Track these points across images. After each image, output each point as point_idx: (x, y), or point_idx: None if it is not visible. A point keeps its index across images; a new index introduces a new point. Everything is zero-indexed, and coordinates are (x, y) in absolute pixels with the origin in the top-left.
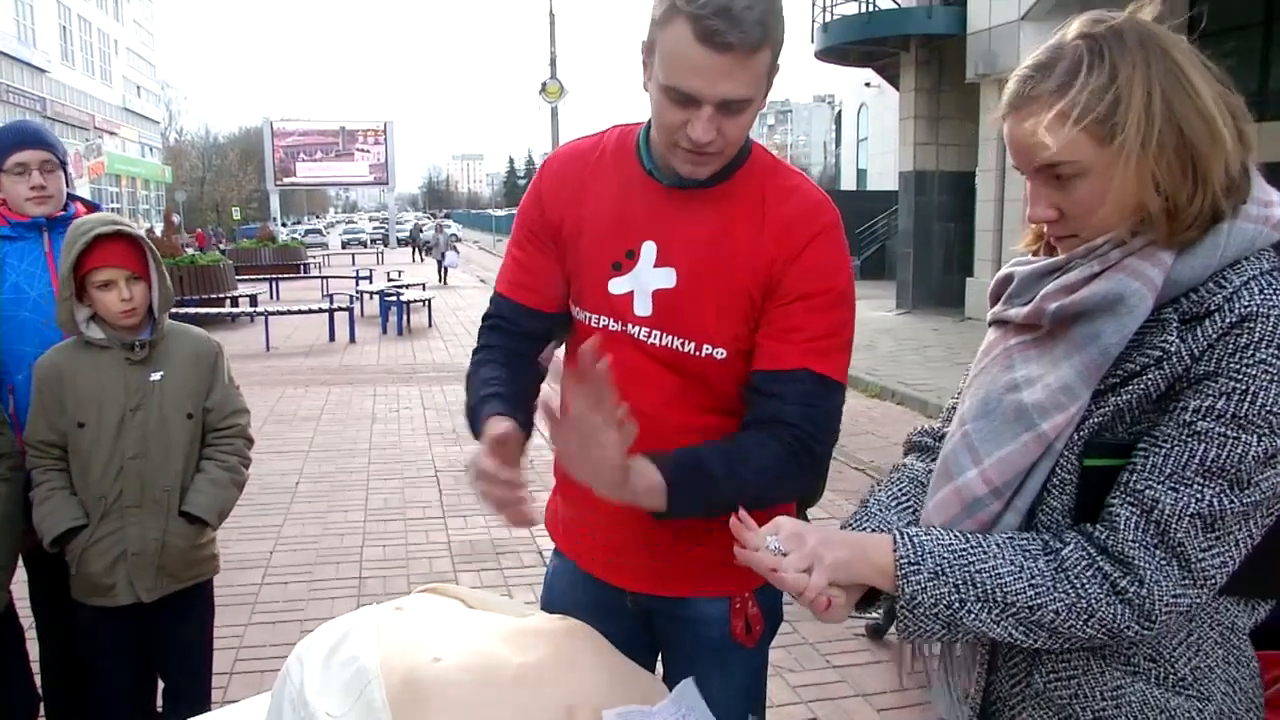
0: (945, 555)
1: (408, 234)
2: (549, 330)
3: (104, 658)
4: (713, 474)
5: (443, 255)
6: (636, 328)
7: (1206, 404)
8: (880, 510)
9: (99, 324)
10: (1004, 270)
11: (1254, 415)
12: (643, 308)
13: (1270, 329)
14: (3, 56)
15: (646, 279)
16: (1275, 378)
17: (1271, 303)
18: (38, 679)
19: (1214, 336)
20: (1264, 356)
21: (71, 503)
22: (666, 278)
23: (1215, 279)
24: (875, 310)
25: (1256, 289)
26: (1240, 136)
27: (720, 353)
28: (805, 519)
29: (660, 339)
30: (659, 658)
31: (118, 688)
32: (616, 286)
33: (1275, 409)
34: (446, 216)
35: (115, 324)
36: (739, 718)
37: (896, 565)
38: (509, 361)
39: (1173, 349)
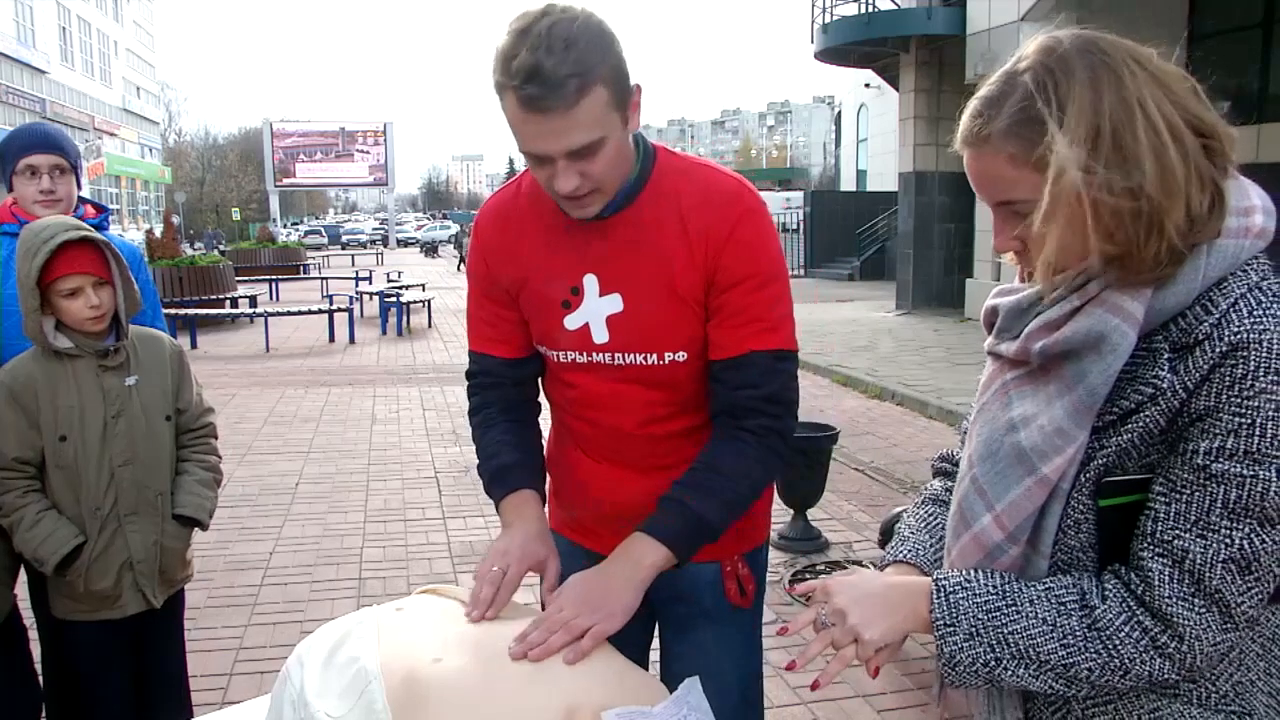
0: (979, 616)
1: (429, 239)
2: (532, 372)
3: (108, 671)
4: (703, 517)
5: None
6: (600, 354)
7: (1217, 444)
8: (912, 534)
9: (64, 332)
10: (989, 302)
11: (1267, 447)
12: (600, 335)
13: (1265, 355)
14: (2, 57)
15: (596, 309)
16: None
17: (1262, 326)
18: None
19: (1206, 368)
20: (1264, 385)
21: (65, 522)
22: (614, 303)
23: (1202, 302)
24: (875, 310)
25: (1245, 310)
26: (1212, 156)
27: (681, 355)
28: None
29: (623, 358)
30: (653, 627)
31: (122, 698)
32: (571, 323)
33: None
34: (444, 217)
35: (82, 330)
36: (740, 679)
37: (933, 625)
38: (508, 413)
39: (1165, 384)
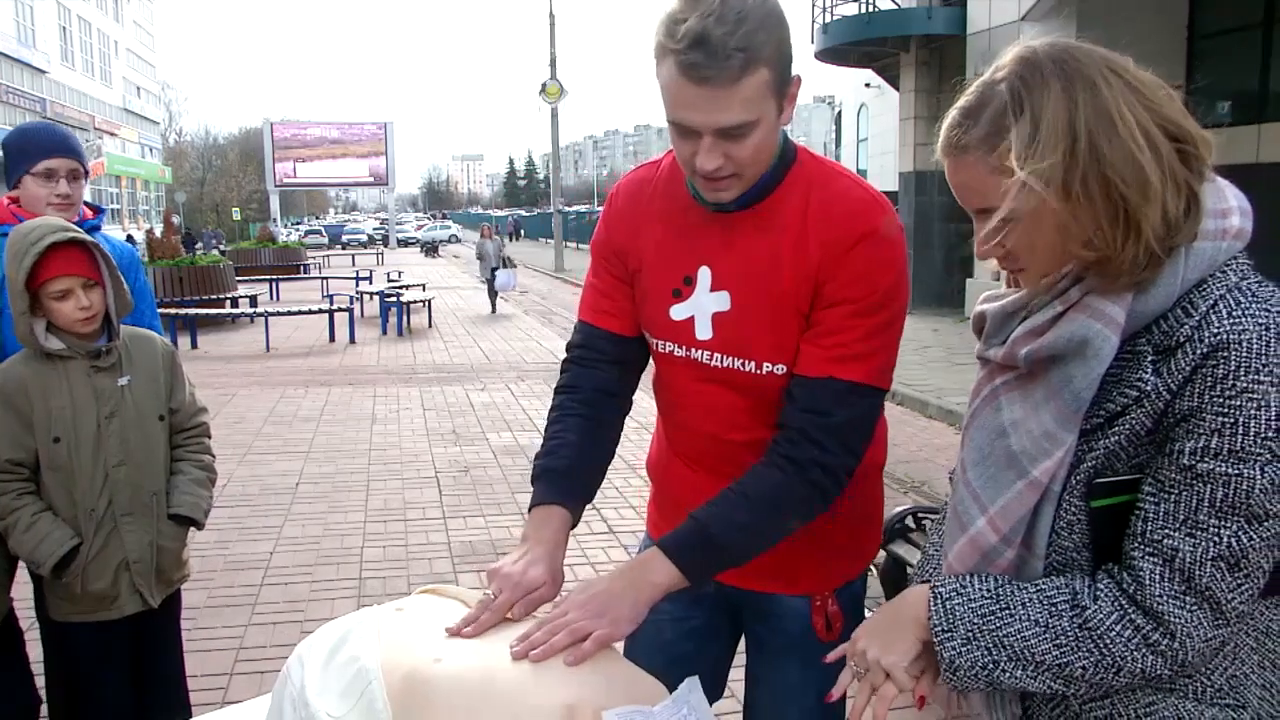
0: (975, 620)
1: (429, 239)
2: (635, 356)
3: (106, 671)
4: (718, 542)
5: (492, 273)
6: (699, 351)
7: (1201, 444)
8: (937, 553)
9: (55, 333)
10: (977, 308)
11: (1251, 445)
12: (704, 331)
13: (1244, 355)
14: (3, 57)
15: (705, 303)
16: (1261, 403)
17: (1241, 326)
18: (39, 680)
19: (1189, 369)
20: (1245, 384)
21: (60, 524)
22: (722, 301)
23: (1182, 304)
24: None
25: (1225, 311)
26: (1187, 160)
27: (780, 368)
28: None
29: (722, 360)
30: (735, 648)
31: (121, 699)
32: (678, 313)
33: (1269, 433)
34: (445, 217)
35: (72, 331)
36: (817, 706)
37: (932, 632)
38: (588, 406)
39: (1149, 387)
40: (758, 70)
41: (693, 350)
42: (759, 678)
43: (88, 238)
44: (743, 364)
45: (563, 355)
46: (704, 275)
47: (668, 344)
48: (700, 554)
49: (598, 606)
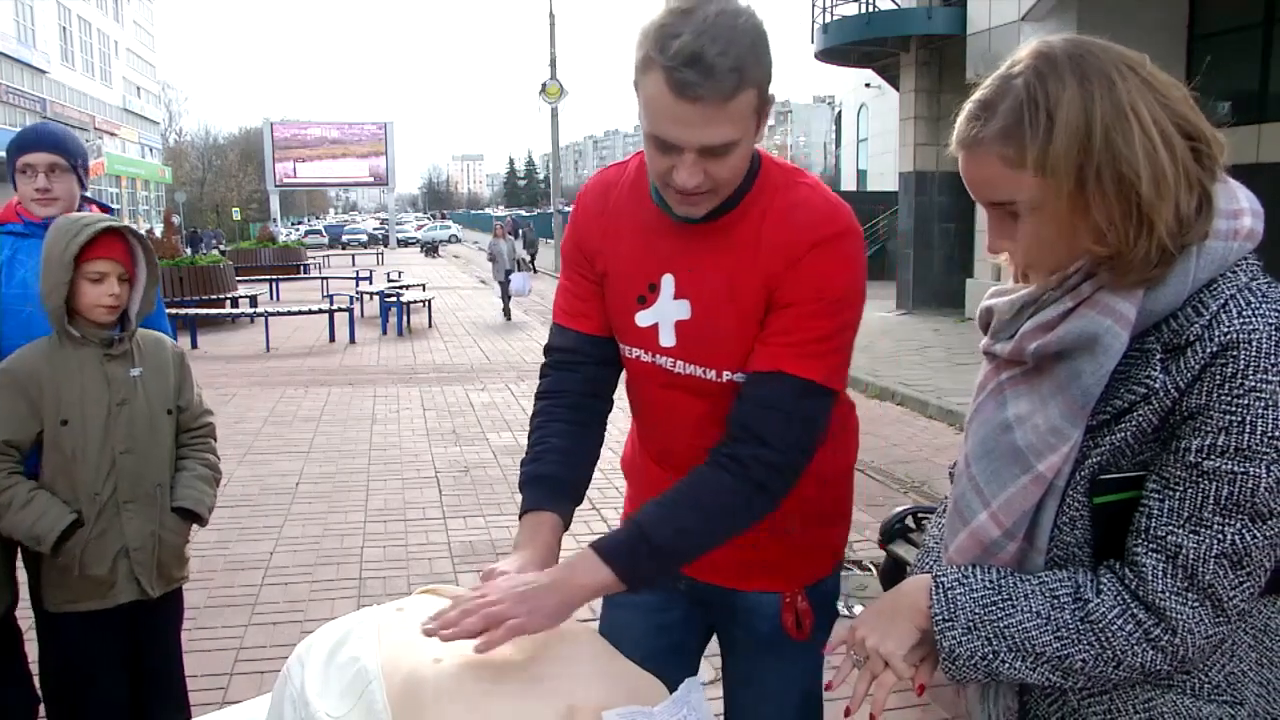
0: (976, 610)
1: (429, 239)
2: (613, 356)
3: (102, 664)
4: (655, 543)
5: (507, 276)
6: (664, 358)
7: (1208, 441)
8: (937, 545)
9: (72, 322)
10: (984, 302)
11: (1257, 444)
12: (667, 339)
13: (1254, 354)
14: (3, 57)
15: (668, 311)
16: (1269, 402)
17: (1251, 325)
18: (36, 679)
19: (1198, 368)
20: (1253, 383)
21: (57, 501)
22: (683, 309)
23: (1192, 303)
24: (875, 311)
25: (1235, 310)
26: (1200, 159)
27: (740, 376)
28: None
29: (684, 368)
30: (706, 643)
31: (116, 695)
32: (643, 319)
33: (1276, 432)
34: (444, 217)
35: (90, 318)
36: (797, 706)
37: (932, 621)
38: (572, 410)
39: (1157, 384)
40: (747, 91)
41: (658, 356)
42: (730, 675)
43: (142, 235)
44: (704, 371)
45: None
46: (667, 283)
47: (634, 349)
48: (635, 558)
49: (520, 595)
